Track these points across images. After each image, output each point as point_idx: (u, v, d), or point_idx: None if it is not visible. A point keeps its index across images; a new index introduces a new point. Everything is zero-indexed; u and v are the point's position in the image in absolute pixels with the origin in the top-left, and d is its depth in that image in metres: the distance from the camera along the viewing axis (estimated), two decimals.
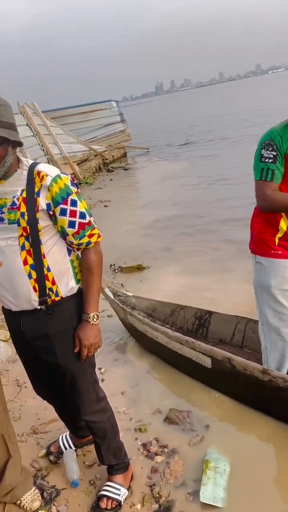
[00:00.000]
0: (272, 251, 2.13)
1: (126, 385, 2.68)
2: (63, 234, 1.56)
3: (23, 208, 1.48)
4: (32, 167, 1.51)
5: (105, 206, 8.72)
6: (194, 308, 3.25)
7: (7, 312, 1.68)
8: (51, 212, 1.50)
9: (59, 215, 1.51)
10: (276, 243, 2.12)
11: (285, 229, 2.08)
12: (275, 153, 1.97)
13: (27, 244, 1.51)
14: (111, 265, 5.02)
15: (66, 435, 2.23)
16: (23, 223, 1.48)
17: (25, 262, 1.52)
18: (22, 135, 9.02)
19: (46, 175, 1.48)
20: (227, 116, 26.84)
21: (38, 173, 1.49)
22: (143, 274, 4.73)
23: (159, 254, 5.37)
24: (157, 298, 3.53)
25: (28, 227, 1.49)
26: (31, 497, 1.90)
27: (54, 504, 1.89)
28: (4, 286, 1.56)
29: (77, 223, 1.53)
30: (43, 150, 11.36)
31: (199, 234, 5.97)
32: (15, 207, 1.49)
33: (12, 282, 1.54)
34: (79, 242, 1.56)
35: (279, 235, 2.11)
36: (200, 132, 20.78)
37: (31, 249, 1.51)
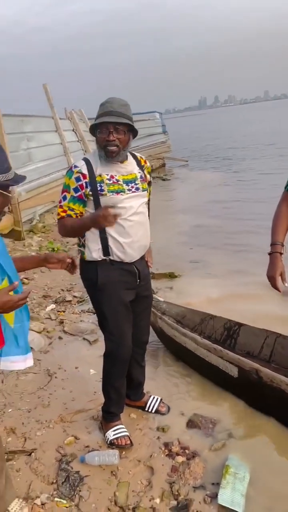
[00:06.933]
0: None
1: (152, 386, 2.74)
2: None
3: (145, 180, 2.14)
4: (133, 154, 2.20)
5: None
6: (224, 318, 3.28)
7: (120, 268, 2.09)
8: (148, 181, 2.20)
9: (150, 183, 2.26)
10: None
11: None
12: None
13: (147, 206, 2.22)
14: None
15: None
16: (149, 190, 2.20)
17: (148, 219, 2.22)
18: (68, 139, 9.29)
19: (145, 159, 2.24)
20: (270, 134, 26.63)
21: (141, 157, 2.22)
22: (174, 282, 4.79)
23: (192, 264, 5.43)
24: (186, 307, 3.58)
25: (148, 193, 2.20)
26: (19, 505, 1.85)
27: (77, 489, 1.97)
28: (139, 240, 2.11)
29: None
30: None
31: (236, 246, 5.98)
32: (143, 179, 2.13)
33: (145, 235, 2.16)
34: (150, 197, 2.31)
35: None
36: (240, 148, 20.74)
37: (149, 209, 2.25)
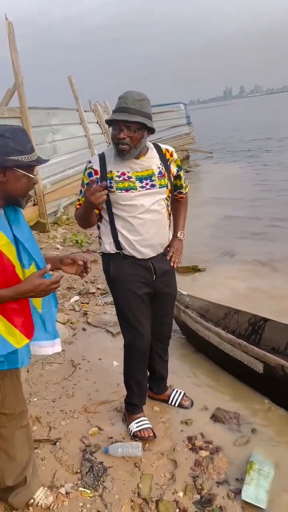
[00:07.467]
0: None
1: (175, 380, 2.73)
2: (176, 189, 2.20)
3: (166, 175, 2.04)
4: (158, 146, 2.09)
5: None
6: (249, 313, 3.23)
7: (133, 263, 2.07)
8: (175, 174, 2.13)
9: (180, 176, 2.18)
10: None
11: None
12: None
13: (167, 203, 2.10)
14: None
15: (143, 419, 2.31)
16: (169, 186, 2.07)
17: (168, 217, 2.12)
18: (92, 132, 9.28)
19: (172, 151, 2.11)
20: None
21: (167, 150, 2.09)
22: (197, 276, 4.76)
23: (217, 257, 5.37)
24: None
25: (170, 189, 2.08)
26: (44, 494, 1.85)
27: (101, 480, 1.99)
28: (151, 238, 2.04)
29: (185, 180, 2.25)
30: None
31: (263, 241, 5.89)
32: (161, 175, 2.02)
33: (160, 234, 2.08)
34: (186, 191, 2.26)
35: None
36: (266, 139, 20.30)
37: (169, 205, 2.13)
